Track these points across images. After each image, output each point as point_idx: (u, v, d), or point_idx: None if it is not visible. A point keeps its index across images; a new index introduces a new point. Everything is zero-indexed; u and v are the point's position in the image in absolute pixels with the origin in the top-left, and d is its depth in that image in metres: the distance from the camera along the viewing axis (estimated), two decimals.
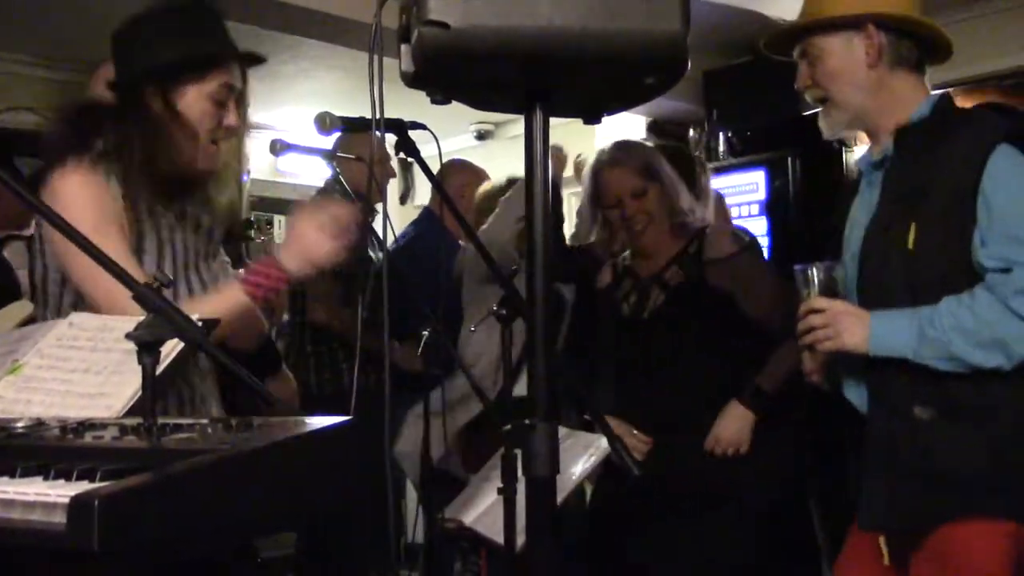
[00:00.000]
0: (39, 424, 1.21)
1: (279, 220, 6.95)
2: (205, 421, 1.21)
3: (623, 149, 3.05)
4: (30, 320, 2.42)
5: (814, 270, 2.05)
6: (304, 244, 1.98)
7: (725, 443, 2.75)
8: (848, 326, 1.99)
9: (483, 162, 4.68)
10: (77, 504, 0.82)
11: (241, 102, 2.08)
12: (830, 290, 2.05)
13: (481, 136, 6.78)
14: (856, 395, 2.10)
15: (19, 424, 1.21)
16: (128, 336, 1.25)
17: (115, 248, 1.82)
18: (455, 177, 4.17)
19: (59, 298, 2.05)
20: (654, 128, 5.55)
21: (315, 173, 5.35)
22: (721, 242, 2.91)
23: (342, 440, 1.17)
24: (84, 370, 1.67)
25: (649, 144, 3.39)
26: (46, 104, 5.22)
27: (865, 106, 2.12)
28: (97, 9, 4.54)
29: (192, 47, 2.01)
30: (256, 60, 2.13)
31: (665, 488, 2.67)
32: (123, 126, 1.98)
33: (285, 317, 3.77)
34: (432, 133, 2.27)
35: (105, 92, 2.09)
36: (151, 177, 1.97)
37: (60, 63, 5.17)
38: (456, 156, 4.62)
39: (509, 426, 2.10)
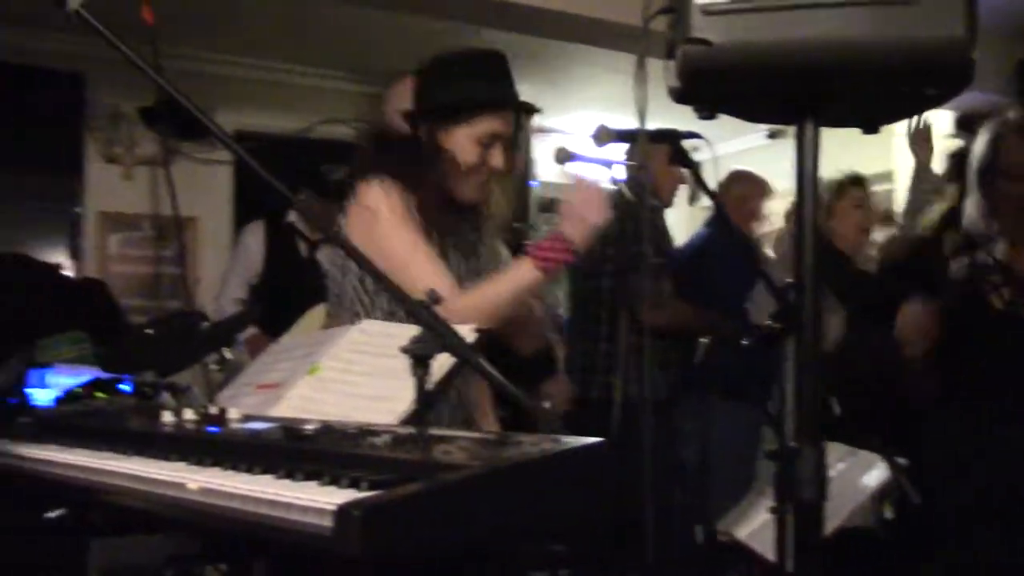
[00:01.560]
0: (324, 428, 1.33)
1: None
2: (471, 434, 1.27)
3: None
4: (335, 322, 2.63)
5: None
6: (579, 212, 2.08)
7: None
8: None
9: (774, 162, 4.56)
10: (342, 512, 0.90)
11: (511, 146, 2.22)
12: None
13: (772, 135, 6.59)
14: None
15: (308, 427, 1.33)
16: (401, 350, 1.34)
17: (417, 241, 2.09)
18: (736, 187, 4.17)
19: (356, 303, 2.23)
20: (963, 123, 5.17)
21: (607, 175, 5.43)
22: None
23: (598, 457, 1.19)
24: (370, 374, 1.80)
25: None
26: (357, 115, 5.66)
27: None
28: (401, 25, 4.88)
29: (465, 94, 2.16)
30: (531, 111, 2.26)
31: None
32: (407, 156, 2.17)
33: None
34: (706, 141, 2.25)
35: (396, 112, 2.28)
36: (425, 203, 2.15)
37: (369, 77, 5.56)
38: (747, 154, 4.58)
39: (775, 447, 2.05)
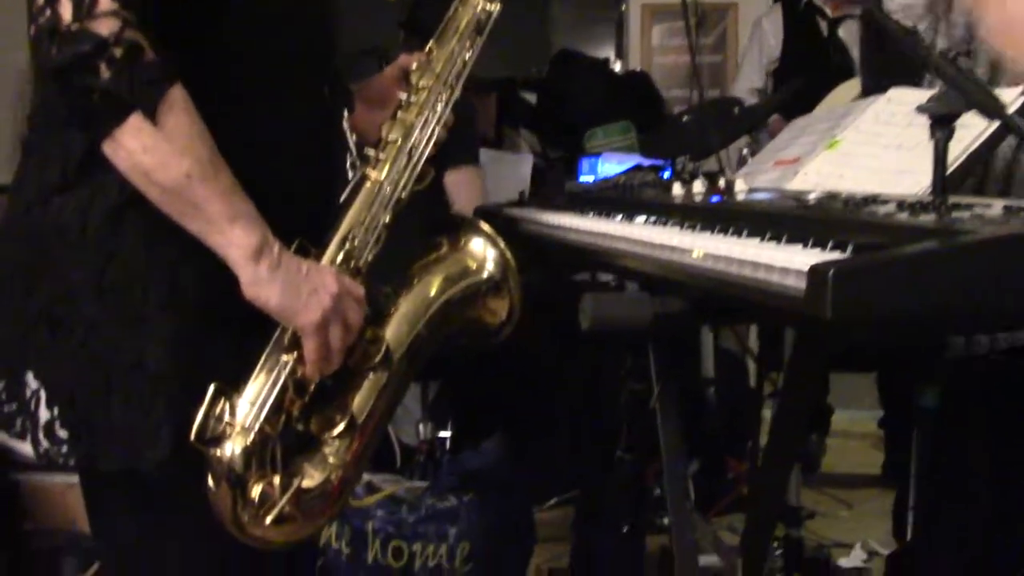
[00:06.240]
0: (827, 196, 1.23)
1: None
2: (1002, 201, 1.09)
3: None
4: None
5: None
6: None
7: None
8: None
9: None
10: (815, 271, 0.82)
11: None
12: None
13: None
14: None
15: (811, 195, 1.25)
16: (918, 109, 1.18)
17: None
18: None
19: None
20: None
21: None
22: None
23: None
24: (896, 146, 1.64)
25: None
26: None
27: None
28: None
29: None
30: None
31: None
32: None
33: None
34: None
35: None
36: None
37: None
38: None
39: None
